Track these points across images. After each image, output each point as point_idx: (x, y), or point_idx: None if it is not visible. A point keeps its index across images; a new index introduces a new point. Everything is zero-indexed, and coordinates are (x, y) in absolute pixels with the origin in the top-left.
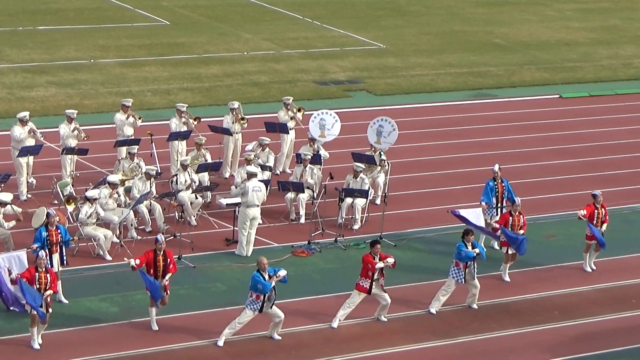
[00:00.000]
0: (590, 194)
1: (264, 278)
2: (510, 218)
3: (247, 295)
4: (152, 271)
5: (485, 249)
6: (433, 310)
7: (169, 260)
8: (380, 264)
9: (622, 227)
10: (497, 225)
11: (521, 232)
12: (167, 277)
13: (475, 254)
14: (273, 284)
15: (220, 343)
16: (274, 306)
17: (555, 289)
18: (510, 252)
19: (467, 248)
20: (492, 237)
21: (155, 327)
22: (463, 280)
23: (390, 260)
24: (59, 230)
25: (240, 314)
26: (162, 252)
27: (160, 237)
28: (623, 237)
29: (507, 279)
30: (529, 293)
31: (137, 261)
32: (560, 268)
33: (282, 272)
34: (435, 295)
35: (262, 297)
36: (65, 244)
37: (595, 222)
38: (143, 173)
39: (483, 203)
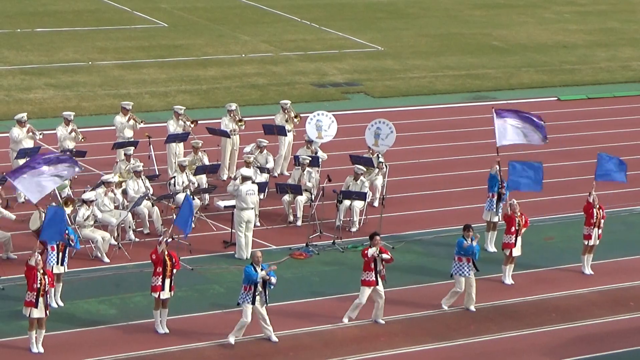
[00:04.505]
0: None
1: (256, 271)
2: (517, 219)
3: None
4: (160, 269)
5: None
6: (445, 307)
7: (174, 259)
8: (372, 250)
9: (621, 229)
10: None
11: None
12: (174, 272)
13: (474, 247)
14: (260, 274)
15: (232, 341)
16: (264, 308)
17: (553, 291)
18: (514, 254)
19: (467, 242)
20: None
21: (161, 330)
22: (469, 273)
23: (386, 256)
24: (67, 231)
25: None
26: (166, 253)
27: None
28: (622, 239)
29: (507, 281)
30: (528, 295)
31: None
32: (559, 270)
33: (273, 279)
34: (448, 293)
35: (252, 289)
36: (70, 245)
37: (594, 220)
38: (132, 172)
39: (490, 194)
